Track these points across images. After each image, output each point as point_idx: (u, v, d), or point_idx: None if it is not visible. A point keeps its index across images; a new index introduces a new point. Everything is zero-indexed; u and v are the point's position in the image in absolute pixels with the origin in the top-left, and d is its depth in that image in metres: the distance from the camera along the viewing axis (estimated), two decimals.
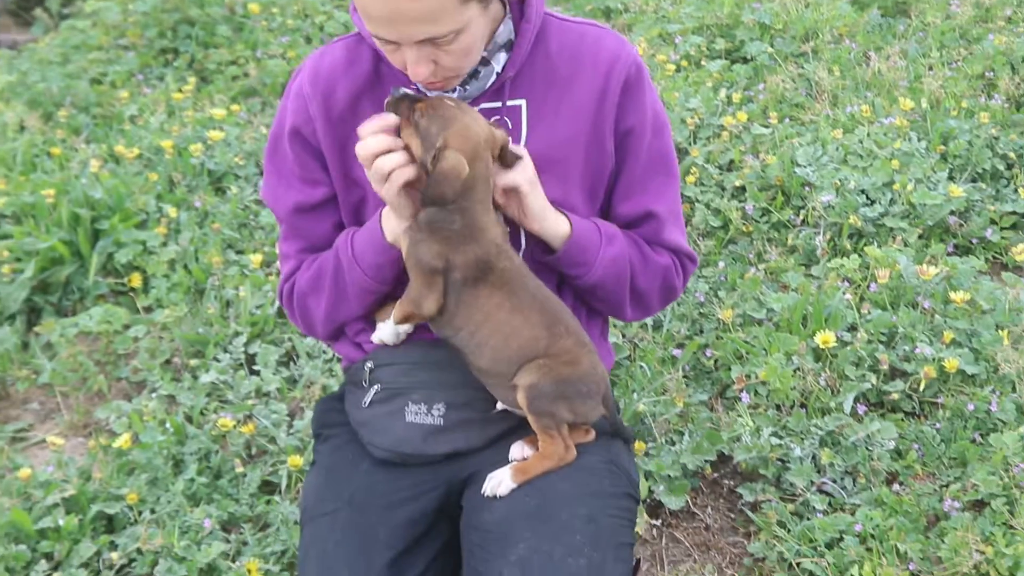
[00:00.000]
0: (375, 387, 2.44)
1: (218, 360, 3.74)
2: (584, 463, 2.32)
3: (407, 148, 2.12)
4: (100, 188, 4.50)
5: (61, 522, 3.02)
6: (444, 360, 2.40)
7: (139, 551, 3.00)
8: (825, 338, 3.35)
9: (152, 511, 3.11)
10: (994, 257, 4.07)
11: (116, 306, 4.09)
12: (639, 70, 2.36)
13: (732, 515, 3.12)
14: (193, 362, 3.77)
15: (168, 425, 3.38)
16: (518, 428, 2.42)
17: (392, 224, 2.26)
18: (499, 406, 2.37)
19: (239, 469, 3.23)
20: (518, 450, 2.35)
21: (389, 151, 2.11)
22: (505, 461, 2.35)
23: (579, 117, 2.31)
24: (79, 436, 3.64)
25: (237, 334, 3.84)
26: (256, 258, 4.17)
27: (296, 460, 3.20)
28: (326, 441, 2.57)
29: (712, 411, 3.41)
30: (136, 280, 4.22)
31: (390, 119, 2.13)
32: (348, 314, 2.43)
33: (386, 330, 2.38)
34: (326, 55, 2.35)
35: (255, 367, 3.72)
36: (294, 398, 3.61)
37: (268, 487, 3.28)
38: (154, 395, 3.65)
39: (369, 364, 2.45)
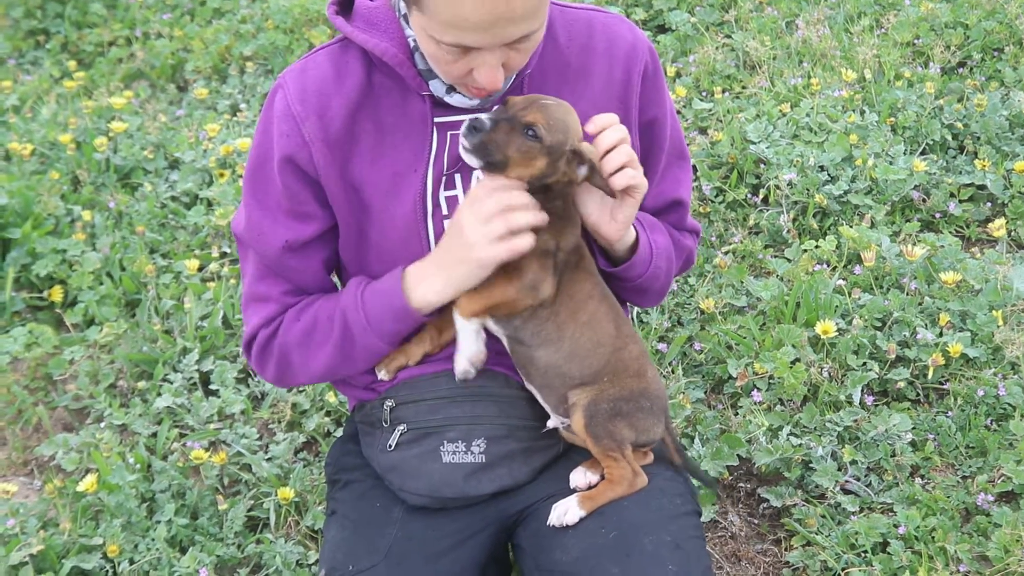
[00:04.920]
0: (400, 428, 2.21)
1: (169, 381, 3.41)
2: (650, 484, 2.18)
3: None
4: (2, 192, 4.06)
5: None
6: (476, 391, 2.20)
7: None
8: (825, 327, 3.24)
9: (131, 561, 2.79)
10: (957, 231, 4.02)
11: (38, 324, 3.71)
12: (655, 58, 2.24)
13: (755, 521, 2.98)
14: (141, 384, 3.43)
15: (132, 460, 3.05)
16: (563, 456, 2.27)
17: (433, 289, 2.02)
18: (550, 423, 2.20)
19: (222, 506, 2.93)
20: (580, 476, 2.20)
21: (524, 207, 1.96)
22: (556, 492, 2.18)
23: (603, 111, 2.12)
24: (19, 475, 3.27)
25: (186, 351, 3.51)
26: (191, 264, 3.83)
27: (286, 493, 2.92)
28: (345, 487, 2.34)
29: (711, 409, 3.27)
30: (57, 293, 3.82)
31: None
32: (348, 373, 2.21)
33: (468, 349, 2.09)
34: (310, 69, 2.08)
35: (211, 386, 3.39)
36: (260, 419, 3.31)
37: (250, 521, 2.99)
38: (103, 425, 3.29)
39: (389, 403, 2.23)
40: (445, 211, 2.09)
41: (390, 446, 2.22)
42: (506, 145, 1.88)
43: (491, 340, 2.11)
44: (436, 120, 2.06)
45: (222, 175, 4.31)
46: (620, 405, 2.08)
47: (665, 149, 2.27)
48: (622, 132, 1.97)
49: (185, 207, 4.31)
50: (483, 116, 1.89)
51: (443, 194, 2.09)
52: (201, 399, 3.32)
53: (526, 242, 1.93)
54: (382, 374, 2.17)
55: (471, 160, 1.91)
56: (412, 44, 2.02)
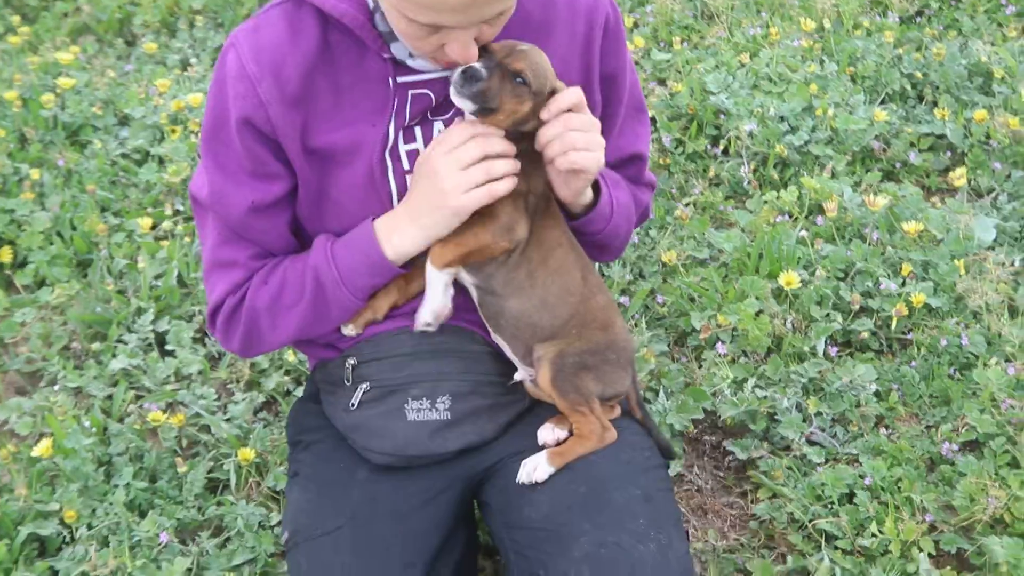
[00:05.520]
0: (363, 386, 2.18)
1: (124, 342, 3.34)
2: (619, 438, 2.16)
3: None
4: None
5: None
6: (440, 347, 2.17)
7: None
8: (789, 279, 3.23)
9: (89, 526, 2.73)
10: (917, 180, 4.02)
11: None
12: (616, 12, 2.22)
13: (720, 474, 2.97)
14: (95, 346, 3.35)
15: (88, 423, 2.99)
16: (529, 412, 2.25)
17: (408, 238, 1.99)
18: (517, 376, 2.19)
19: (181, 468, 2.87)
20: (548, 433, 2.18)
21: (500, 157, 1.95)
22: (523, 448, 2.16)
23: (565, 66, 2.12)
24: None
25: (141, 311, 3.43)
26: (144, 222, 3.74)
27: (246, 453, 2.86)
28: (307, 449, 2.30)
29: (675, 362, 3.25)
30: (6, 254, 3.72)
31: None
32: (316, 334, 2.17)
33: (435, 302, 2.06)
34: (263, 28, 2.00)
35: (167, 347, 3.33)
36: (218, 379, 3.25)
37: (210, 483, 2.93)
38: (57, 387, 3.22)
39: (351, 361, 2.19)
40: (406, 166, 2.04)
41: (353, 405, 2.18)
42: (500, 92, 1.88)
43: (457, 295, 2.07)
44: (397, 80, 2.01)
45: (174, 131, 4.22)
46: (586, 358, 2.06)
47: (624, 102, 2.26)
48: (564, 122, 1.94)
49: (136, 164, 4.22)
50: (477, 65, 1.87)
51: (403, 148, 2.04)
52: (157, 360, 3.26)
53: (506, 185, 1.92)
54: (348, 329, 2.13)
55: (464, 105, 1.89)
56: (372, 4, 1.96)
